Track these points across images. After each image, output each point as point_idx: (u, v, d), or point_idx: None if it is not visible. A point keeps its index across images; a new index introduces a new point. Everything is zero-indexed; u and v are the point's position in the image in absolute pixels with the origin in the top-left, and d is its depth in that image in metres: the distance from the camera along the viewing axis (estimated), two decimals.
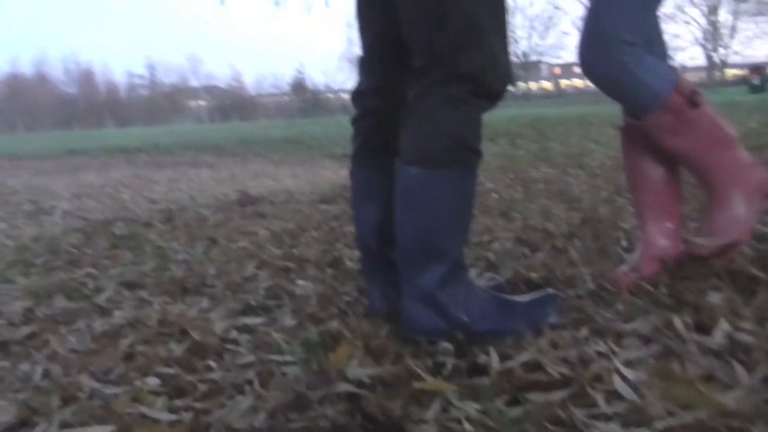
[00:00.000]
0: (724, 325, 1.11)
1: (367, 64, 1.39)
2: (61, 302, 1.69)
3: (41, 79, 74.82)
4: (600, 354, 1.06)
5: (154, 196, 4.17)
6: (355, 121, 1.42)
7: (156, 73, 77.55)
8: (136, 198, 4.16)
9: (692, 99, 1.36)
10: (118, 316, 1.54)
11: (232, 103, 72.65)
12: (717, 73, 43.00)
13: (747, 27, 44.14)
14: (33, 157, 10.52)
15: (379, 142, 1.36)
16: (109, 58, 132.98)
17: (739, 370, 0.95)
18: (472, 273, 1.64)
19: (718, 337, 1.08)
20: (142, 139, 14.89)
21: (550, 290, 1.32)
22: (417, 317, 1.19)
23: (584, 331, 1.17)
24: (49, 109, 70.58)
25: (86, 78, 77.32)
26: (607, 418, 0.86)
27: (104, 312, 1.60)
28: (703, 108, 1.38)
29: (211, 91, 78.30)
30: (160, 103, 74.50)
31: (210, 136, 14.85)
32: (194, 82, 78.57)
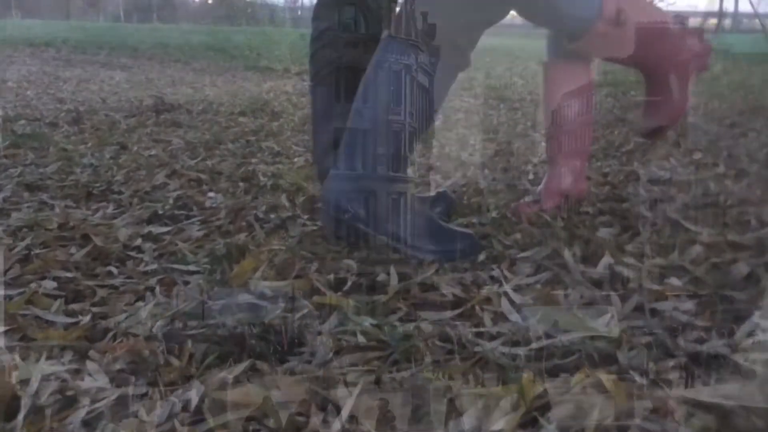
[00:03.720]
0: (608, 259, 1.20)
1: None
2: None
3: None
4: (493, 278, 1.13)
5: (61, 95, 3.94)
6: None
7: None
8: (42, 96, 3.91)
9: (618, 18, 1.39)
10: (16, 217, 1.48)
11: (153, 2, 68.33)
12: None
13: None
14: None
15: None
16: None
17: (615, 299, 1.04)
18: None
19: (601, 269, 1.16)
20: (50, 33, 13.79)
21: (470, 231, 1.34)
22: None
23: (482, 257, 1.23)
24: None
25: None
26: (492, 337, 0.92)
27: (0, 213, 1.54)
28: (627, 23, 1.39)
29: None
30: None
31: (126, 35, 13.94)
32: None
